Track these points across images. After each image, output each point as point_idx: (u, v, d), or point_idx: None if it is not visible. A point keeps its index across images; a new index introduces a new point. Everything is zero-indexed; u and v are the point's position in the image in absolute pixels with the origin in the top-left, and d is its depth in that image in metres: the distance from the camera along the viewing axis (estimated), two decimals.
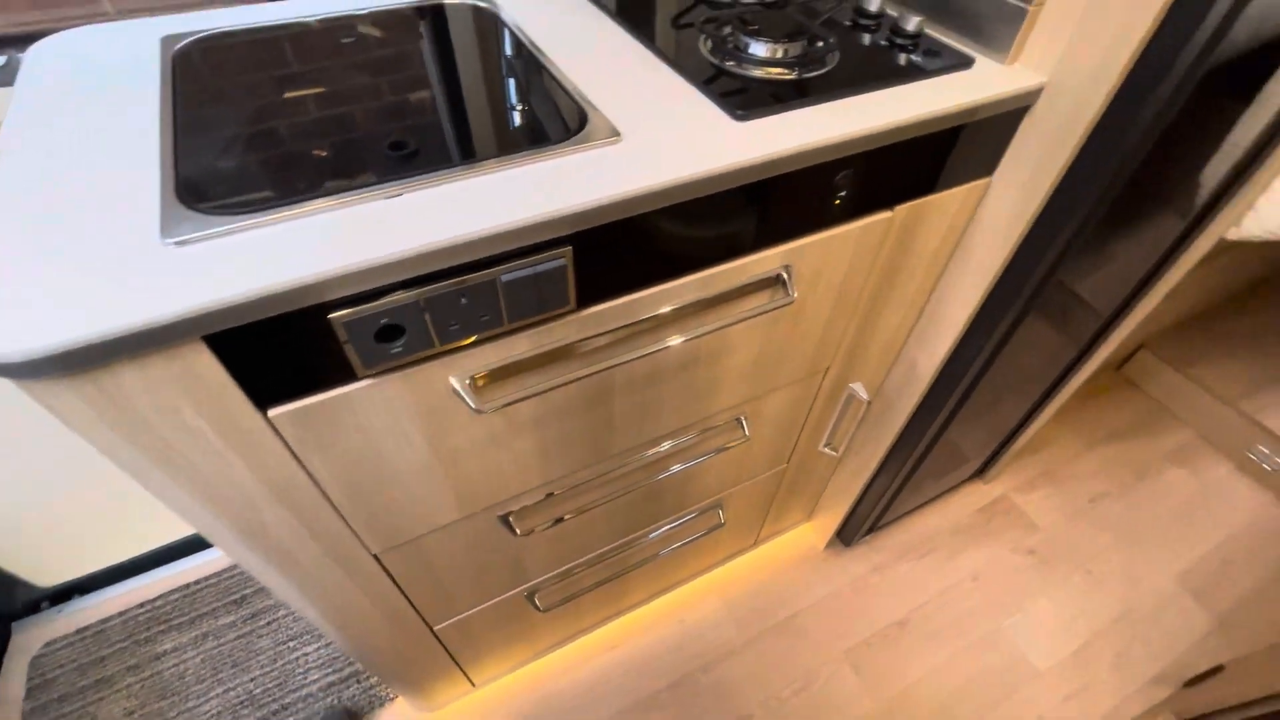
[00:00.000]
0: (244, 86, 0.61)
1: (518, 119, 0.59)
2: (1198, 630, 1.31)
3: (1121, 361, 1.76)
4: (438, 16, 0.73)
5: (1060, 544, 1.44)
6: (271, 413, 0.48)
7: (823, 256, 0.68)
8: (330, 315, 0.44)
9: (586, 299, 0.56)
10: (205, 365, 0.42)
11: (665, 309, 0.61)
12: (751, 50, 0.63)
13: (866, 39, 0.69)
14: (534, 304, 0.52)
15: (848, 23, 0.72)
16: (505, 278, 0.49)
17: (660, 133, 0.55)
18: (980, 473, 1.55)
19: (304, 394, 0.49)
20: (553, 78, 0.61)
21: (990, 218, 0.76)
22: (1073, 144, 0.64)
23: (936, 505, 1.51)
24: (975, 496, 1.52)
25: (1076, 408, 1.69)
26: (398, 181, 0.48)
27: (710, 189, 0.53)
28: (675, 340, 0.63)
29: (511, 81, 0.64)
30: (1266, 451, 1.52)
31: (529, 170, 0.50)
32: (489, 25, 0.72)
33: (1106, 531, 1.46)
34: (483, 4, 0.74)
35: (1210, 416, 1.61)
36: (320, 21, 0.69)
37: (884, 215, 0.68)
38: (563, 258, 0.50)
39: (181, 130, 0.53)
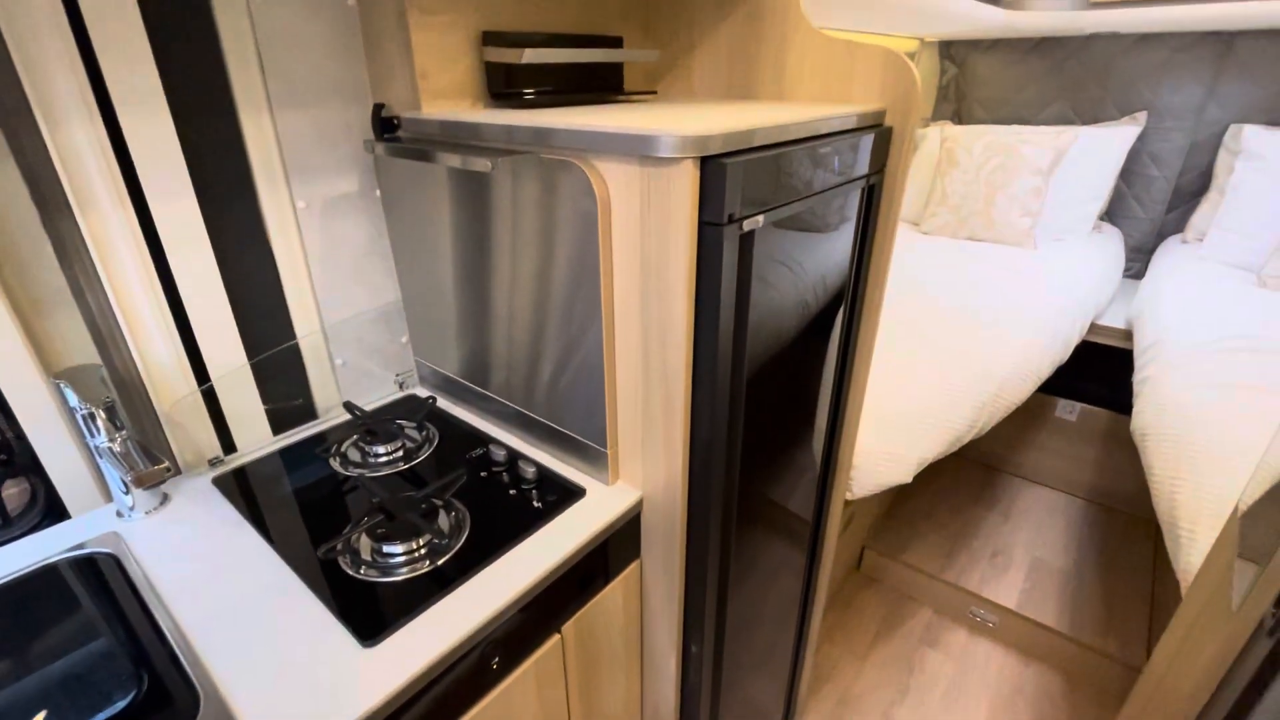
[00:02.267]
0: None
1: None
2: None
3: (857, 562, 2.03)
4: (32, 586, 0.69)
5: None
6: None
7: (505, 707, 0.70)
8: None
9: None
10: None
11: None
12: (386, 552, 0.69)
13: (496, 490, 0.81)
14: None
15: (483, 473, 0.84)
16: None
17: (281, 697, 0.55)
18: None
19: None
20: (169, 646, 0.60)
21: (653, 577, 0.87)
22: (680, 519, 0.79)
23: None
24: None
25: (840, 621, 1.87)
26: None
27: None
28: None
29: (117, 663, 0.61)
30: (982, 611, 1.81)
31: None
32: (104, 581, 0.69)
33: None
34: (103, 550, 0.72)
35: (932, 592, 1.89)
36: None
37: (553, 640, 0.75)
38: None
39: None
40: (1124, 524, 2.10)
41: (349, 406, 0.92)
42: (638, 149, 0.59)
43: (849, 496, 1.25)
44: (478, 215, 0.79)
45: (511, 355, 0.87)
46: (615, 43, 0.99)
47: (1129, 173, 2.23)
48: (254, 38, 0.76)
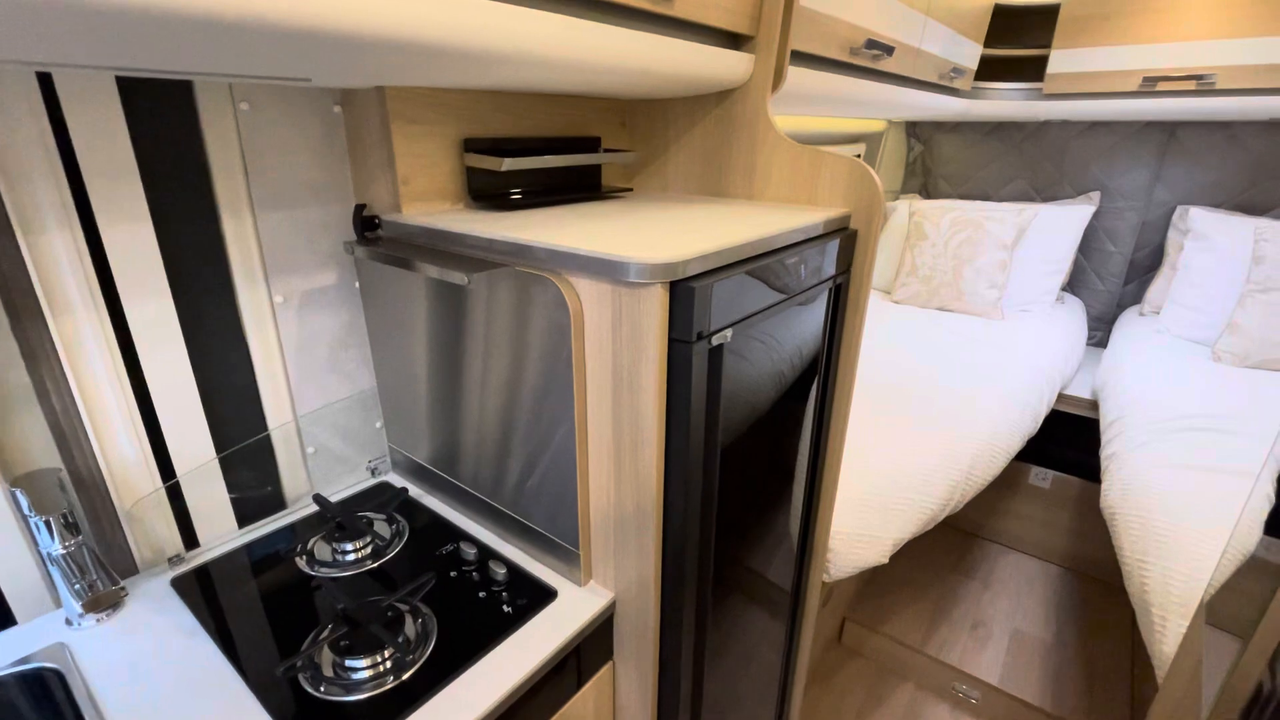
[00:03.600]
0: None
1: None
2: None
3: (839, 634, 2.00)
4: None
5: None
6: None
7: None
8: None
9: None
10: None
11: None
12: (349, 666, 0.67)
13: (466, 591, 0.80)
14: None
15: (453, 573, 0.83)
16: None
17: None
18: None
19: None
20: None
21: (626, 678, 0.85)
22: (653, 617, 0.78)
23: None
24: None
25: (822, 697, 1.82)
26: None
27: None
28: None
29: None
30: (964, 687, 1.78)
31: None
32: (52, 701, 0.66)
33: None
34: (49, 666, 0.69)
35: (914, 666, 1.86)
36: None
37: None
38: None
39: None
40: (1100, 593, 2.11)
41: (319, 500, 0.91)
42: (611, 272, 0.61)
43: (826, 579, 1.24)
44: (454, 316, 0.81)
45: (484, 450, 0.87)
46: (593, 144, 1.03)
47: (1087, 247, 2.34)
48: (240, 147, 0.78)
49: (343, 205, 0.89)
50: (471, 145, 0.86)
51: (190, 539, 0.87)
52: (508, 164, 0.82)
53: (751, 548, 0.95)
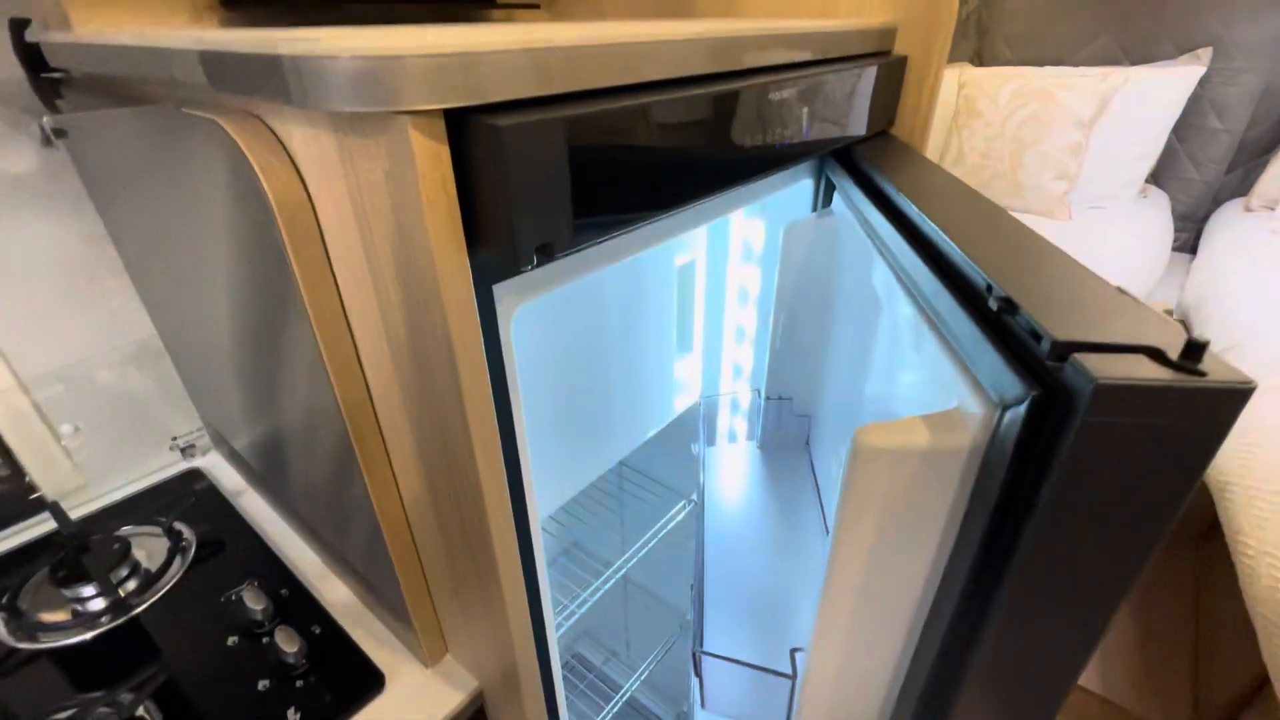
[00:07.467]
0: None
1: None
2: None
3: None
4: None
5: None
6: None
7: None
8: None
9: None
10: None
11: None
12: None
13: (238, 676, 0.49)
14: None
15: (231, 640, 0.52)
16: None
17: None
18: None
19: None
20: None
21: None
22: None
23: None
24: None
25: None
26: None
27: None
28: None
29: None
30: None
31: None
32: None
33: None
34: None
35: None
36: None
37: None
38: None
39: None
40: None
41: (54, 512, 0.59)
42: (310, 93, 0.24)
43: None
44: (172, 211, 0.45)
45: (280, 436, 0.54)
46: None
47: (1182, 125, 1.84)
48: None
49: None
50: None
51: None
52: None
53: None
